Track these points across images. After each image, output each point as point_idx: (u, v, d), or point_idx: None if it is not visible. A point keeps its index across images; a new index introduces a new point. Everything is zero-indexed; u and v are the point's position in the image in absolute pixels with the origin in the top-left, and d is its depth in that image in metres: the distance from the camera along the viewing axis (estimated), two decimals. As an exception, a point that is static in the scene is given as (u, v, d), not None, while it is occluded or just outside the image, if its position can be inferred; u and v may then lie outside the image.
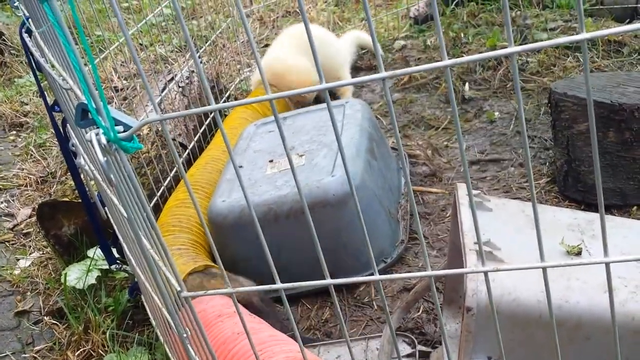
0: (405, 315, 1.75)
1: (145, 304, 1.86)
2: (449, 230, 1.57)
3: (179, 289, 0.86)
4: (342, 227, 1.87)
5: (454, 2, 3.50)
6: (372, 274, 1.98)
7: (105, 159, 0.76)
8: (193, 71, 2.96)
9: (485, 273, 0.76)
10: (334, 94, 3.01)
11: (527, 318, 1.16)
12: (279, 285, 0.85)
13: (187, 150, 2.53)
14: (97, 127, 0.76)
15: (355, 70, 3.18)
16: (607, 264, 0.70)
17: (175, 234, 2.01)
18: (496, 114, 2.60)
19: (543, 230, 1.32)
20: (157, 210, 2.19)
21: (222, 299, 1.73)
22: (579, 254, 1.25)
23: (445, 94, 2.84)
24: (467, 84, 2.82)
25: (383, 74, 0.64)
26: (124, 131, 0.75)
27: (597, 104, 1.88)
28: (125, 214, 1.02)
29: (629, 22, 3.14)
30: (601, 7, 3.25)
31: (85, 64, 0.72)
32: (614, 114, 1.85)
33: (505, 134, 2.48)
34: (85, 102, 0.77)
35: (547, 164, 2.23)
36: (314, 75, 2.82)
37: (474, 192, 1.43)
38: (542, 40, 2.95)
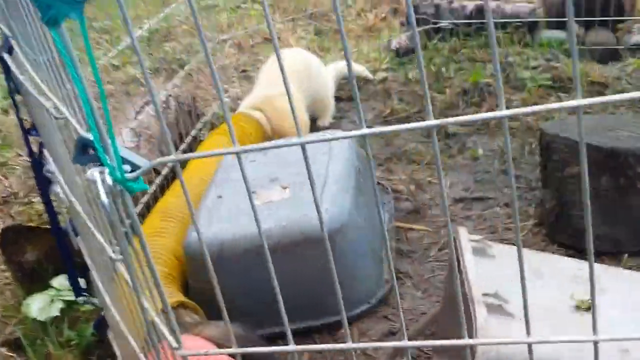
0: (393, 362, 1.66)
1: (112, 342, 1.73)
2: (445, 277, 1.50)
3: (176, 345, 0.76)
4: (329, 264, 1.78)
5: (438, 37, 3.49)
6: (357, 314, 1.91)
7: (108, 200, 0.67)
8: (170, 95, 2.86)
9: (529, 345, 0.68)
10: (314, 120, 2.95)
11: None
12: (292, 347, 0.76)
13: (161, 176, 2.42)
14: (99, 165, 0.67)
15: (336, 99, 3.12)
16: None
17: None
18: (480, 151, 2.56)
19: (548, 280, 1.26)
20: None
21: (194, 339, 1.61)
22: (588, 309, 1.19)
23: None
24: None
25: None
26: (131, 171, 0.66)
27: (591, 148, 1.85)
28: (115, 257, 0.93)
29: (610, 62, 3.16)
30: (582, 47, 3.27)
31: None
32: (608, 159, 1.82)
33: (489, 171, 2.44)
34: (87, 137, 0.68)
35: (534, 205, 2.19)
36: (303, 114, 2.78)
37: (476, 237, 1.37)
38: (524, 78, 2.95)
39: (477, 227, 2.14)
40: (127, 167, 0.68)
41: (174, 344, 0.77)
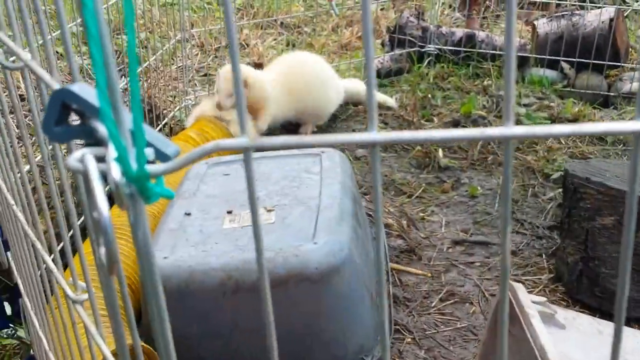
0: None
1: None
2: (482, 342, 1.18)
3: None
4: (321, 309, 1.44)
5: (427, 61, 3.23)
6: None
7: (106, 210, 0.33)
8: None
9: None
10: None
11: None
12: None
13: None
14: (93, 146, 0.34)
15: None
16: None
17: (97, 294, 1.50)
18: (479, 189, 2.29)
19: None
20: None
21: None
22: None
23: (417, 158, 2.51)
24: (440, 150, 2.51)
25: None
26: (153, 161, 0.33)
27: (624, 195, 1.59)
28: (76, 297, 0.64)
29: (602, 108, 2.99)
30: (572, 89, 3.09)
31: None
32: (651, 212, 1.56)
33: (489, 213, 2.17)
34: (74, 91, 0.35)
35: (545, 256, 1.92)
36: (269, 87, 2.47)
37: (540, 299, 1.06)
38: (520, 114, 2.72)
39: (483, 277, 1.85)
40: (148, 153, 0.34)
41: None
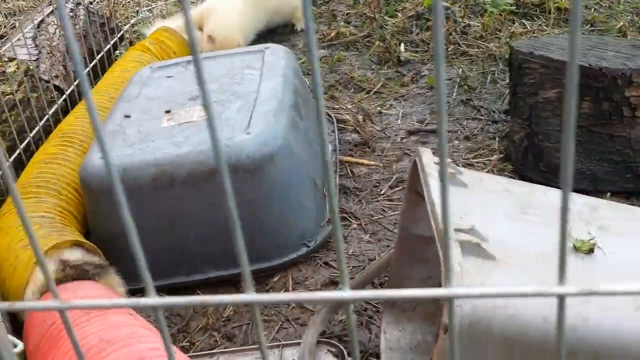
0: (332, 317, 1.37)
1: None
2: (401, 212, 1.20)
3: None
4: (257, 199, 1.46)
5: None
6: (293, 259, 1.60)
7: None
8: (79, 3, 2.42)
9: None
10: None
11: (527, 342, 0.81)
12: (154, 300, 0.45)
13: (65, 96, 2.03)
14: None
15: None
16: (562, 297, 0.37)
17: (39, 198, 1.53)
18: (437, 79, 2.26)
19: (538, 217, 0.97)
20: (20, 166, 1.69)
21: (95, 288, 1.29)
22: (590, 251, 0.91)
23: (377, 53, 2.47)
24: (402, 44, 2.46)
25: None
26: None
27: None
28: None
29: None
30: None
31: None
32: (592, 80, 1.54)
33: (447, 102, 2.14)
34: None
35: (498, 138, 1.91)
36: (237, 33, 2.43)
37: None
38: (485, 2, 2.64)
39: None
40: None
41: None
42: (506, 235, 0.91)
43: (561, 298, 0.39)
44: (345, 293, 0.38)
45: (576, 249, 0.90)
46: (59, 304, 0.43)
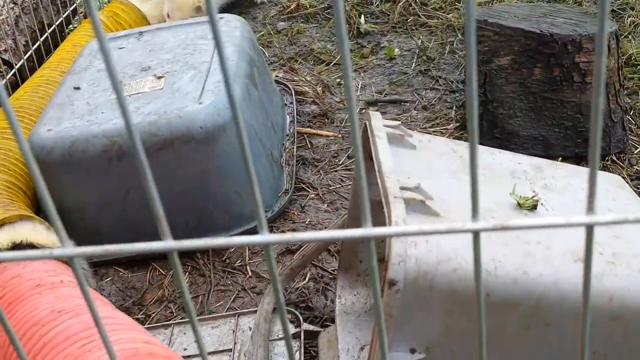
0: (289, 285, 1.37)
1: None
2: (354, 177, 1.20)
3: None
4: (211, 169, 1.44)
5: None
6: (249, 230, 1.59)
7: None
8: None
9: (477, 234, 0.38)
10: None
11: (472, 295, 0.81)
12: (69, 250, 0.43)
13: (14, 70, 1.97)
14: None
15: None
16: (590, 227, 0.36)
17: (-15, 173, 1.49)
18: (396, 50, 2.25)
19: (483, 177, 0.98)
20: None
21: (45, 263, 1.26)
22: (534, 207, 0.92)
23: (337, 26, 2.45)
24: (362, 16, 2.45)
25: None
26: None
27: (524, 34, 1.58)
28: None
29: None
30: None
31: None
32: (543, 47, 1.55)
33: (406, 72, 2.14)
34: None
35: (455, 107, 1.92)
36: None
37: (394, 123, 1.07)
38: None
39: (391, 132, 1.85)
40: None
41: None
42: (451, 193, 0.92)
43: (475, 234, 0.39)
44: (266, 237, 0.38)
45: (520, 205, 0.91)
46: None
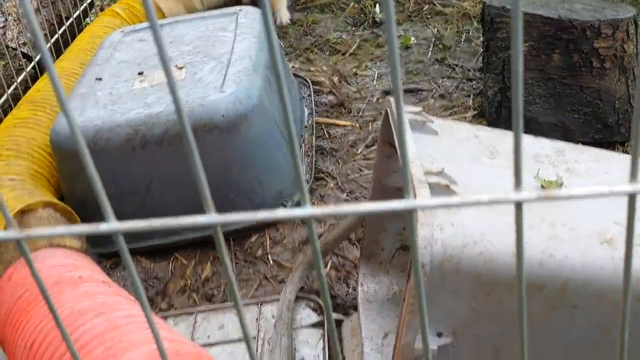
0: (310, 273, 1.38)
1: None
2: (374, 165, 1.20)
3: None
4: (233, 158, 1.46)
5: None
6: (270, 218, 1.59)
7: None
8: None
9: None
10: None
11: (497, 278, 0.82)
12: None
13: (33, 63, 1.99)
14: None
15: None
16: (633, 196, 0.36)
17: (9, 161, 1.52)
18: (412, 39, 2.25)
19: (507, 161, 0.98)
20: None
21: (66, 255, 1.27)
22: (558, 191, 0.92)
23: (353, 15, 2.46)
24: (378, 5, 2.45)
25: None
26: None
27: (542, 20, 1.57)
28: None
29: None
30: None
31: None
32: (561, 32, 1.55)
33: (422, 61, 2.15)
34: None
35: (472, 95, 1.92)
36: None
37: (415, 109, 1.07)
38: None
39: (409, 120, 1.86)
40: None
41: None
42: (474, 178, 0.92)
43: (518, 205, 0.39)
44: (309, 210, 0.39)
45: (544, 188, 0.92)
46: (17, 234, 0.43)
